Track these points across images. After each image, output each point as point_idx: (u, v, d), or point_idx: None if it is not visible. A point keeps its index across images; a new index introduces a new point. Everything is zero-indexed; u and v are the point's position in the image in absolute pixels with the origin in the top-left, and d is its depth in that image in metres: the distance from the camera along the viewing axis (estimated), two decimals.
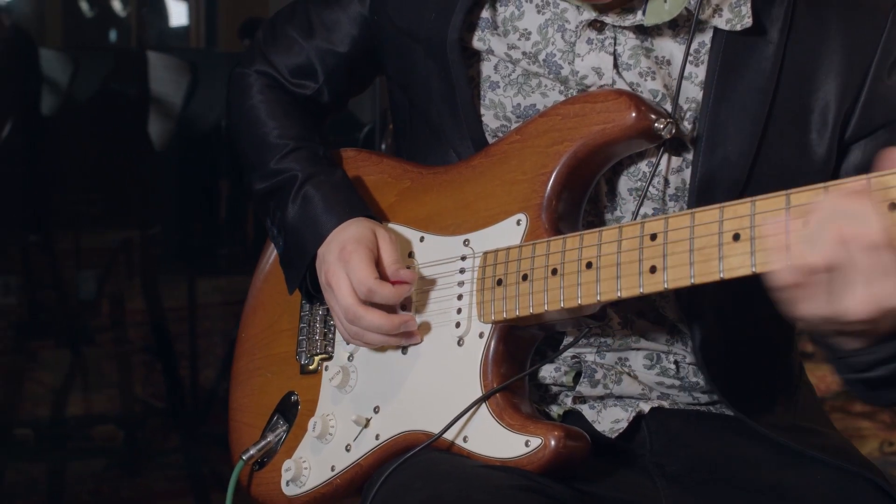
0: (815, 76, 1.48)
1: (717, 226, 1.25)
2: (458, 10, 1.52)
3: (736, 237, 1.24)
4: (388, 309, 1.50)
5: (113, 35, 5.37)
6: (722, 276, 1.24)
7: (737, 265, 1.23)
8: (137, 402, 4.27)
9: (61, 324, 4.60)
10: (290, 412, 1.65)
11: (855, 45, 1.49)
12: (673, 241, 1.28)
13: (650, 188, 1.47)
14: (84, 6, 5.16)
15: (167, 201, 4.77)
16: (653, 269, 1.30)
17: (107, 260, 4.81)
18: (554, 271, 1.39)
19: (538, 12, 1.51)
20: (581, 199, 1.46)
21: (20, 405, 4.14)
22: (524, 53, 1.51)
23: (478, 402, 1.42)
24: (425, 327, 1.51)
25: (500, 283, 1.44)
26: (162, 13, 5.48)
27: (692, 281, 1.26)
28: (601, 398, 1.52)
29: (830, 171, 1.48)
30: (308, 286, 1.61)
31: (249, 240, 5.21)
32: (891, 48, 1.49)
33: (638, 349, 1.52)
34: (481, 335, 1.45)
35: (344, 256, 1.50)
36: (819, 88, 1.48)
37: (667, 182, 1.47)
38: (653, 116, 1.41)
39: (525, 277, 1.41)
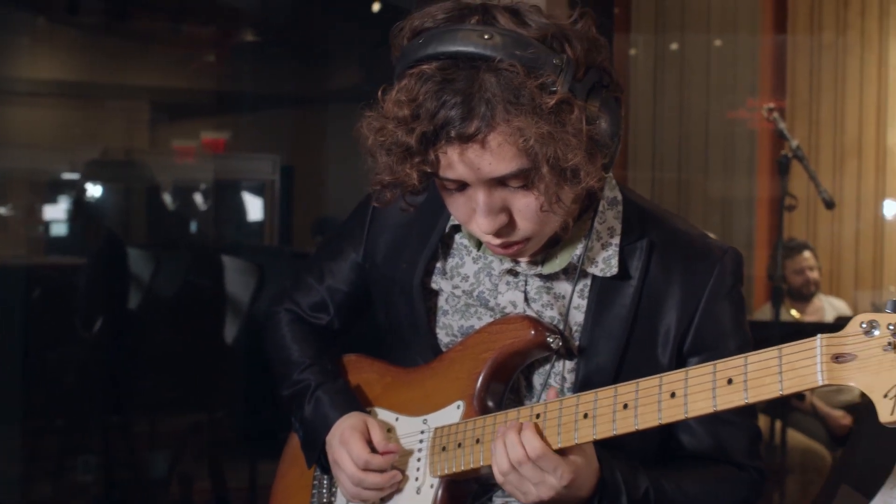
0: (662, 307, 2.00)
1: (574, 408, 1.90)
2: (421, 262, 2.15)
3: (585, 416, 1.88)
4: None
5: (192, 227, 5.71)
6: (577, 441, 1.88)
7: (585, 434, 1.87)
8: None
9: (135, 502, 5.09)
10: None
11: (691, 283, 2.01)
12: (549, 419, 1.92)
13: (553, 383, 2.11)
14: (167, 199, 5.58)
15: (233, 388, 5.33)
16: None
17: (178, 442, 5.34)
18: (477, 440, 2.02)
19: (474, 262, 2.14)
20: (503, 390, 2.09)
21: None
22: (464, 291, 2.14)
23: None
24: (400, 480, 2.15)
25: (444, 448, 2.08)
26: (239, 208, 5.89)
27: (560, 445, 1.90)
28: None
29: None
30: (323, 462, 2.22)
31: None
32: (717, 286, 2.01)
33: None
34: (432, 486, 2.08)
35: (343, 440, 2.12)
36: (665, 316, 2.01)
37: (564, 379, 2.08)
38: (546, 334, 2.02)
39: (459, 445, 2.05)
